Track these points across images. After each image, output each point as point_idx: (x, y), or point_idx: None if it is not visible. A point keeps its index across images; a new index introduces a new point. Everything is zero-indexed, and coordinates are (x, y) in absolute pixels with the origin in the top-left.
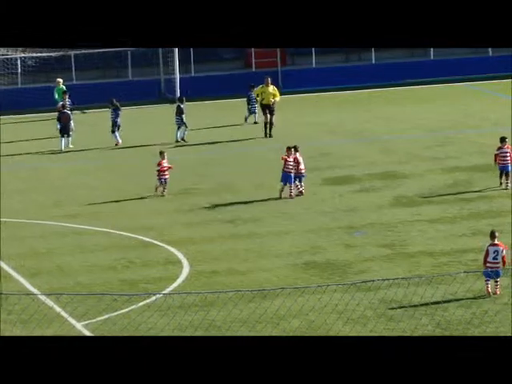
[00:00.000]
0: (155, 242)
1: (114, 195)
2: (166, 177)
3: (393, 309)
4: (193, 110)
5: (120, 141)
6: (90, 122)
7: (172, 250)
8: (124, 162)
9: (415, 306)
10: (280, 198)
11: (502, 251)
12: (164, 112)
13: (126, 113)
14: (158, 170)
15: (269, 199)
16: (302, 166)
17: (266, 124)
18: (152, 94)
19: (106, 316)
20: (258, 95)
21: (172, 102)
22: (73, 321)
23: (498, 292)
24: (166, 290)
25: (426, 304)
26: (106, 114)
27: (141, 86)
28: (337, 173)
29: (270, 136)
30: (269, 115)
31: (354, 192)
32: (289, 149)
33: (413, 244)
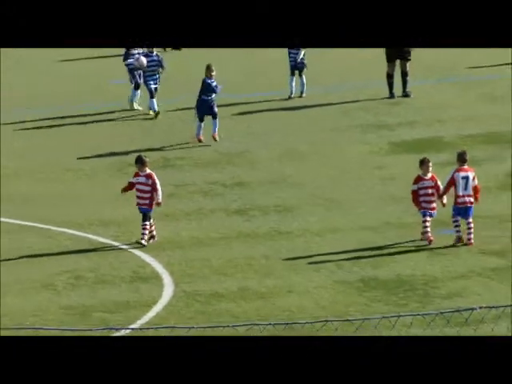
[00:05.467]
0: (116, 244)
1: (48, 168)
2: None
3: None
4: None
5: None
6: None
7: (146, 257)
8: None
9: None
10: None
11: (474, 179)
12: None
13: None
14: None
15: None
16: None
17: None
18: None
19: None
20: None
21: None
22: None
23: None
24: (137, 323)
25: None
26: None
27: None
28: (415, 133)
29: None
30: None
31: (442, 165)
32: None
33: None
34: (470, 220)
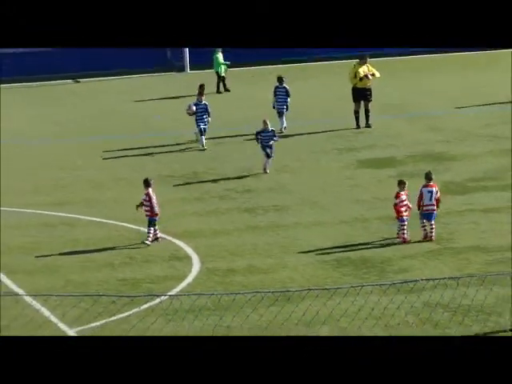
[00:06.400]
0: (159, 234)
1: (110, 179)
2: None
3: (439, 314)
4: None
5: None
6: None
7: (179, 243)
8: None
9: (465, 310)
10: None
11: (437, 192)
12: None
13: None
14: None
15: (295, 185)
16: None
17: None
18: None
19: (103, 321)
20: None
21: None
22: (64, 327)
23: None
24: (173, 291)
25: (478, 309)
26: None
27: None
28: (375, 154)
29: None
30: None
31: (394, 177)
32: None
33: (463, 238)
34: (433, 222)
